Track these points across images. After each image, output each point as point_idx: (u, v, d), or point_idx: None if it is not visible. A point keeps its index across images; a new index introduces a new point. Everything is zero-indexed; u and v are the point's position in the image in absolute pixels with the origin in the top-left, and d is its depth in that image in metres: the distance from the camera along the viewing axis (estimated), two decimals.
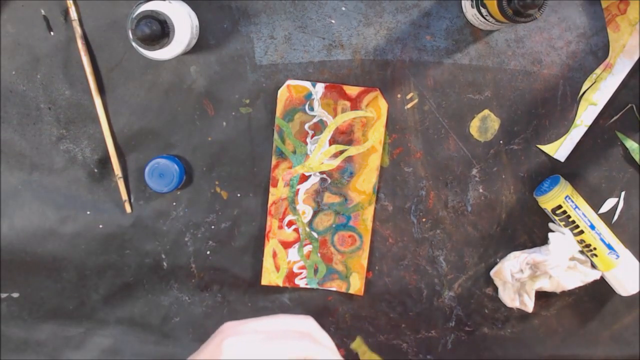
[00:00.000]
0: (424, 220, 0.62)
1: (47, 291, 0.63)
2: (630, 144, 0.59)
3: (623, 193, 0.61)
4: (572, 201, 0.58)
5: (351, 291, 0.63)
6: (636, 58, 0.57)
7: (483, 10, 0.51)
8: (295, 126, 0.59)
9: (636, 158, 0.59)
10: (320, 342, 0.37)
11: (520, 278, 0.60)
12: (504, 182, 0.61)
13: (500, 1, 0.47)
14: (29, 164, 0.60)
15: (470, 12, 0.54)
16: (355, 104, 0.58)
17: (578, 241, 0.59)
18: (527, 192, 0.61)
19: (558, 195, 0.58)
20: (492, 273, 0.62)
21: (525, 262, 0.59)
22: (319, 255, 0.62)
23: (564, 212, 0.58)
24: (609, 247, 0.59)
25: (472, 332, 0.65)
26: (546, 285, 0.60)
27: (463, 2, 0.56)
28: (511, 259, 0.60)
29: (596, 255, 0.59)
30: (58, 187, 0.61)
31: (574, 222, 0.59)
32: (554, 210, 0.59)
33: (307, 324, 0.38)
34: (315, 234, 0.62)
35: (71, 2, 0.56)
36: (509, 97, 0.59)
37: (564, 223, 0.59)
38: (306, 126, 0.59)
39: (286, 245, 0.62)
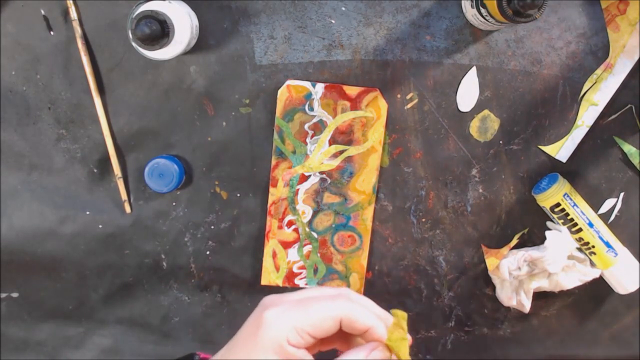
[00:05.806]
0: (423, 220, 0.62)
1: (46, 291, 0.63)
2: (628, 149, 0.59)
3: (622, 194, 0.61)
4: (571, 199, 0.58)
5: None
6: (636, 58, 0.57)
7: (483, 11, 0.51)
8: (295, 126, 0.59)
9: (634, 162, 0.59)
10: (357, 301, 0.39)
11: (518, 275, 0.60)
12: (503, 182, 0.61)
13: (500, 1, 0.47)
14: (28, 164, 0.60)
15: (470, 12, 0.54)
16: (355, 104, 0.58)
17: (577, 239, 0.59)
18: (526, 192, 0.61)
19: (557, 193, 0.58)
20: (490, 271, 0.62)
21: (523, 259, 0.59)
22: (318, 255, 0.62)
23: (563, 210, 0.58)
24: (608, 245, 0.59)
25: (472, 332, 0.65)
26: (545, 284, 0.60)
27: (463, 2, 0.56)
28: (509, 256, 0.60)
29: (594, 253, 0.59)
30: (57, 187, 0.61)
31: (572, 220, 0.59)
32: (552, 208, 0.59)
33: (342, 290, 0.40)
34: (315, 234, 0.62)
35: (71, 2, 0.55)
36: (509, 97, 0.59)
37: (562, 221, 0.59)
38: (306, 126, 0.59)
39: (286, 245, 0.62)
